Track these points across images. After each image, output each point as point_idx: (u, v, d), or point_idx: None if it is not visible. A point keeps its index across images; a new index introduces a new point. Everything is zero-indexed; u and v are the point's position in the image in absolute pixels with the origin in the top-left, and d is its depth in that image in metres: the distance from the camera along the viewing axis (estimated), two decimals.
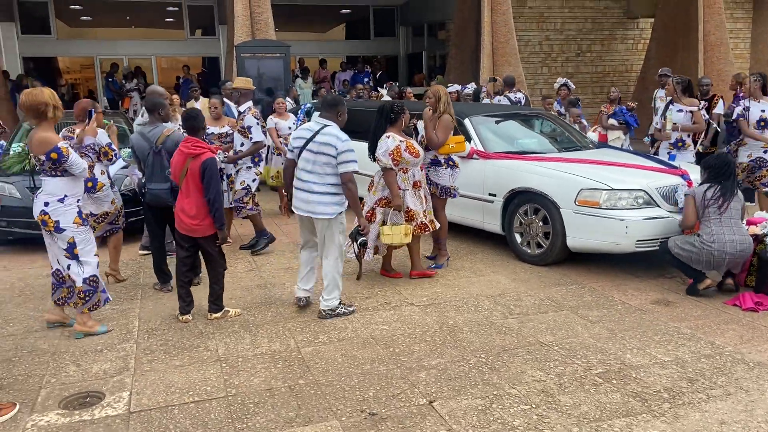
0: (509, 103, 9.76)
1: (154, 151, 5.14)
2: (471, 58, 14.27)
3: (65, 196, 4.26)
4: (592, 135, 7.59)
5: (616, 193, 5.38)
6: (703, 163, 5.23)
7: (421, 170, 5.47)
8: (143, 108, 6.60)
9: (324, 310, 4.68)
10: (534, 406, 3.41)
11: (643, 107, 11.57)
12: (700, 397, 3.42)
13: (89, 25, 17.72)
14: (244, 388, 3.67)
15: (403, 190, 5.26)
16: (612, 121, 8.71)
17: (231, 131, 6.63)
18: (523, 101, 10.01)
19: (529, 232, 5.95)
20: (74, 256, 4.33)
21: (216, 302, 4.77)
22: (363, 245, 4.69)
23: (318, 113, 4.49)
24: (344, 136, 4.45)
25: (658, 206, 5.42)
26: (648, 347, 4.10)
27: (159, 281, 5.41)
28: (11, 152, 7.17)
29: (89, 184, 5.16)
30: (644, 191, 5.42)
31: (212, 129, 6.56)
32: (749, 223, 5.15)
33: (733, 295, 4.91)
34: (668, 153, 6.99)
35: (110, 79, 15.19)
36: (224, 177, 6.54)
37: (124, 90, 15.25)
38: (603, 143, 7.76)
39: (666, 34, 15.01)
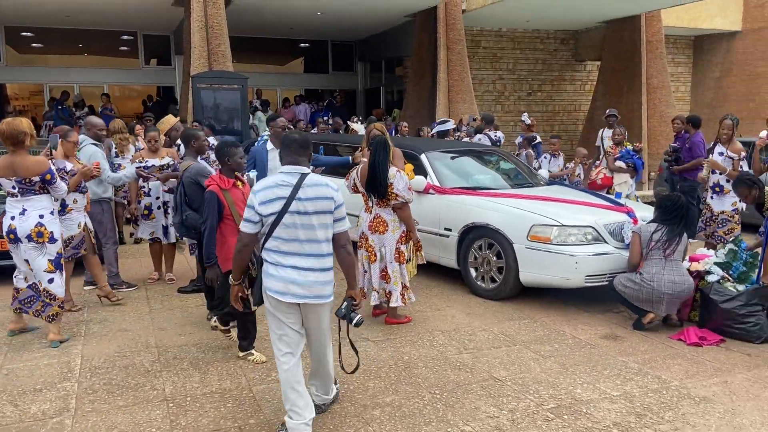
0: (489, 142, 9.90)
1: (178, 186, 5.14)
2: (428, 94, 14.56)
3: (53, 209, 4.76)
4: (543, 173, 7.76)
5: (566, 230, 5.52)
6: (659, 200, 5.41)
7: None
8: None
9: (324, 405, 3.73)
10: None
11: (589, 147, 11.92)
12: None
13: (40, 52, 17.35)
14: (192, 429, 3.54)
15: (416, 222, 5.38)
16: (620, 164, 8.18)
17: (174, 162, 6.47)
18: (502, 140, 10.20)
19: (484, 267, 6.02)
20: (59, 266, 4.76)
21: (225, 316, 4.58)
22: (359, 324, 3.46)
23: (281, 158, 3.39)
24: (334, 183, 3.39)
25: (606, 242, 5.57)
26: (598, 382, 4.16)
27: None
28: None
29: (59, 208, 5.28)
30: (593, 228, 5.58)
31: (152, 161, 6.38)
32: (691, 260, 5.34)
33: (678, 329, 5.05)
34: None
35: (60, 107, 14.83)
36: (169, 210, 6.42)
37: (74, 118, 14.90)
38: (554, 180, 7.96)
39: (611, 77, 15.68)
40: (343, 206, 3.34)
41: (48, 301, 4.73)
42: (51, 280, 4.71)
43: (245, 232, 3.28)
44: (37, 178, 4.57)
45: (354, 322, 3.42)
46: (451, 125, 10.37)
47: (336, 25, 16.19)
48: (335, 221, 3.31)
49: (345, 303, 3.43)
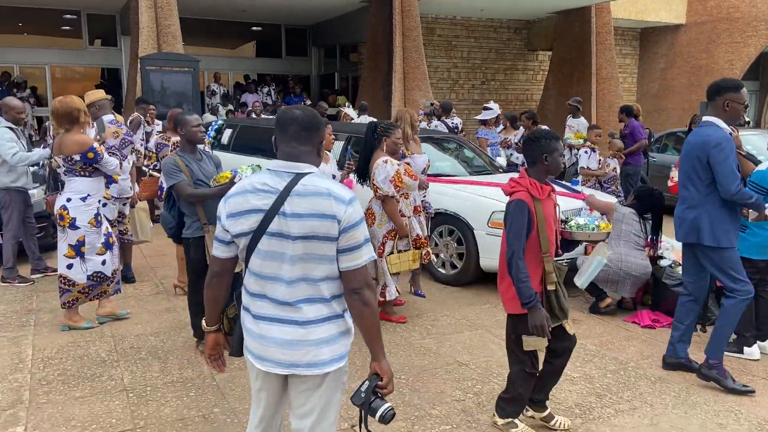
0: (446, 129, 9.86)
1: None
2: (384, 81, 14.50)
3: (88, 195, 4.62)
4: (501, 160, 7.83)
5: None
6: (638, 192, 5.44)
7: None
8: None
9: None
10: (455, 426, 3.44)
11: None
12: (609, 412, 3.59)
13: None
14: (154, 419, 3.45)
15: (408, 217, 4.95)
16: None
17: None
18: (459, 126, 10.15)
19: (444, 253, 6.06)
20: (80, 254, 4.61)
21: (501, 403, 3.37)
22: (386, 419, 2.12)
23: (275, 147, 2.20)
24: (347, 191, 2.14)
25: None
26: None
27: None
28: None
29: (158, 190, 5.85)
30: None
31: None
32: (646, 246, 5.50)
33: (631, 313, 5.22)
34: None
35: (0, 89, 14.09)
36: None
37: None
38: (512, 167, 8.04)
39: (562, 67, 15.99)
40: (359, 228, 2.11)
41: (66, 287, 4.63)
42: (69, 266, 4.62)
43: (214, 257, 2.23)
44: (77, 157, 4.53)
45: (378, 414, 2.11)
46: (495, 112, 9.65)
47: (289, 8, 15.92)
48: (341, 252, 2.10)
49: (366, 383, 2.16)
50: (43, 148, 6.86)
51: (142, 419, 3.44)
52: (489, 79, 17.77)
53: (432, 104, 11.24)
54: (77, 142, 4.54)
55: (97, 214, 4.68)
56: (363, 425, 2.16)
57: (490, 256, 5.70)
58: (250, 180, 2.16)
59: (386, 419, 2.10)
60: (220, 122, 10.02)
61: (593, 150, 7.78)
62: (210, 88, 15.23)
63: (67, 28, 16.88)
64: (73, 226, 4.56)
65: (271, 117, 12.00)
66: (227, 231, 2.16)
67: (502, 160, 7.87)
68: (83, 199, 4.60)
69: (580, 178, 7.72)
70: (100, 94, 6.10)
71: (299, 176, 2.11)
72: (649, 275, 5.18)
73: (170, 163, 4.13)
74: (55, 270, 6.09)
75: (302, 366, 2.14)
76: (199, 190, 4.11)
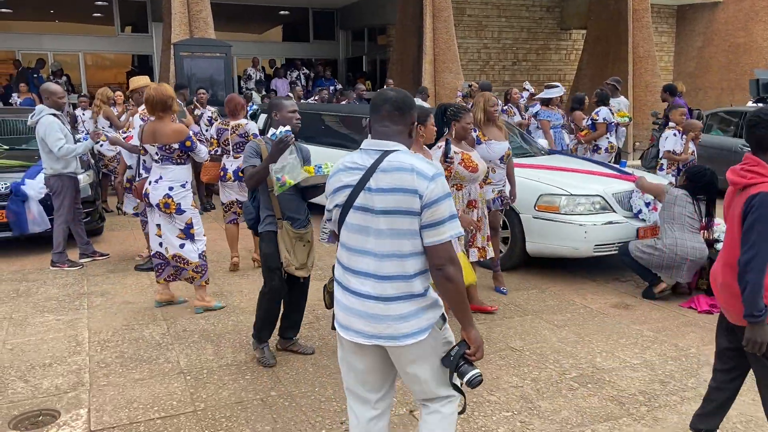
0: None
1: None
2: (413, 63, 14.34)
3: (186, 182, 4.72)
4: (542, 142, 7.60)
5: (575, 199, 5.49)
6: (691, 173, 5.22)
7: (481, 188, 4.72)
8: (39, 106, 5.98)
9: None
10: (515, 412, 3.39)
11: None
12: (675, 399, 3.50)
13: (10, 18, 16.63)
14: (213, 401, 3.47)
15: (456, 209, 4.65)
16: None
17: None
18: (500, 107, 9.80)
19: None
20: (190, 236, 4.73)
21: None
22: (473, 384, 2.21)
23: (369, 128, 2.32)
24: (431, 167, 2.18)
25: (614, 211, 5.56)
26: (616, 350, 4.17)
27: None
28: None
29: (220, 173, 5.87)
30: (601, 197, 5.56)
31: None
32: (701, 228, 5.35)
33: (687, 298, 5.09)
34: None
35: (35, 75, 14.26)
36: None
37: None
38: (554, 150, 7.88)
39: (597, 46, 15.61)
40: (443, 204, 2.11)
41: (182, 265, 4.72)
42: (182, 245, 4.71)
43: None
44: (176, 146, 4.59)
45: (466, 378, 2.22)
46: (560, 91, 9.07)
47: None
48: (425, 227, 2.13)
49: (456, 348, 2.27)
50: (84, 137, 6.95)
51: (202, 402, 3.45)
52: (520, 60, 17.47)
53: (470, 86, 11.03)
54: (175, 131, 4.59)
55: (193, 197, 4.81)
56: (449, 379, 2.31)
57: (537, 240, 5.60)
58: (344, 160, 2.30)
59: (473, 384, 2.22)
60: (254, 107, 10.01)
61: (680, 132, 6.82)
62: (246, 72, 15.20)
63: (99, 15, 17.00)
64: (179, 211, 4.66)
65: (312, 102, 11.95)
66: (330, 210, 2.34)
67: (543, 142, 7.69)
68: (183, 186, 4.68)
69: (664, 162, 6.92)
70: (144, 80, 6.11)
71: (386, 153, 2.20)
72: (706, 259, 5.03)
73: (252, 146, 3.86)
74: (103, 254, 6.23)
75: (383, 338, 2.22)
76: (255, 168, 3.75)
